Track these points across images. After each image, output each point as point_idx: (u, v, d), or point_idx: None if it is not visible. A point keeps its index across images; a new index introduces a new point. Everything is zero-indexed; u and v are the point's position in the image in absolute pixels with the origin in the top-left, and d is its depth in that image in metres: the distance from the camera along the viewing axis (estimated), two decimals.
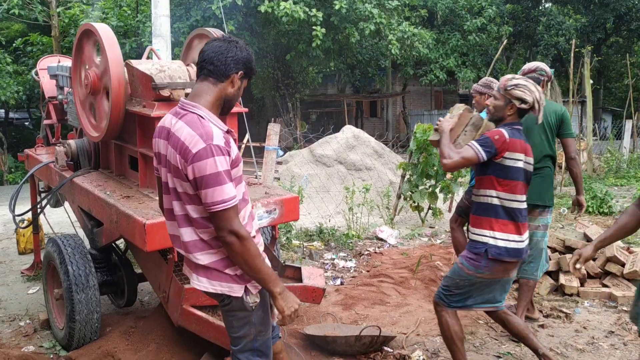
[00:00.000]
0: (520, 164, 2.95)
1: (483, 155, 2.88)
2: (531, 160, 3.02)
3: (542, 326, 4.07)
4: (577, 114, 14.97)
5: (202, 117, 2.08)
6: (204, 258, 2.16)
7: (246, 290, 2.19)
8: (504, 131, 2.92)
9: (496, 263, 2.96)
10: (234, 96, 2.20)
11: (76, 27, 12.98)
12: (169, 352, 3.34)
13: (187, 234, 2.16)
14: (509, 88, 3.00)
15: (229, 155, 2.07)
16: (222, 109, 2.21)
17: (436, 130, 3.11)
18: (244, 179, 2.31)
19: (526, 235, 3.04)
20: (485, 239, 2.97)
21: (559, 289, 4.74)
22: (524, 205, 3.02)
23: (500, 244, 2.94)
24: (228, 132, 2.14)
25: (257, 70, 2.31)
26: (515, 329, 3.24)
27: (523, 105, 2.99)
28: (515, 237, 2.97)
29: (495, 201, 2.96)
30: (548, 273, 4.86)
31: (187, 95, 2.27)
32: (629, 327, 4.05)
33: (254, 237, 2.23)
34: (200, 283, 2.20)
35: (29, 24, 15.97)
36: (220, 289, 2.17)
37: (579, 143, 12.13)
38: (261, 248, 2.27)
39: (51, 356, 3.64)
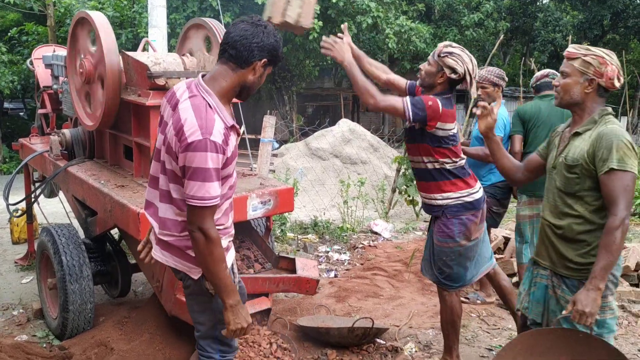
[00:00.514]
0: (453, 132, 2.97)
1: (410, 114, 2.84)
2: None
3: None
4: None
5: (209, 105, 1.98)
6: (173, 237, 2.14)
7: (204, 275, 2.16)
8: (439, 100, 2.88)
9: (461, 222, 3.01)
10: (253, 84, 2.09)
11: (72, 16, 12.90)
12: (163, 341, 3.34)
13: (164, 210, 2.11)
14: (442, 55, 2.93)
15: (224, 153, 1.97)
16: (240, 95, 2.11)
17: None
18: (236, 173, 2.27)
19: (477, 184, 3.10)
20: (440, 202, 3.03)
21: None
22: (464, 161, 3.09)
23: (454, 202, 3.01)
24: (232, 127, 2.04)
25: (283, 57, 2.20)
26: (502, 285, 3.47)
27: (453, 75, 2.93)
28: (467, 191, 3.03)
29: (437, 166, 3.01)
30: None
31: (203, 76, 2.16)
32: (620, 321, 4.08)
33: (229, 233, 2.20)
34: (163, 256, 2.18)
35: (24, 13, 15.85)
36: (181, 267, 2.16)
37: None
38: (230, 259, 2.20)
39: (44, 345, 3.65)
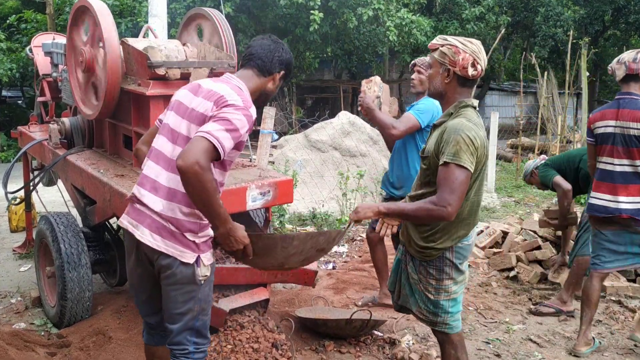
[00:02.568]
0: (633, 132, 3.32)
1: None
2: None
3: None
4: (572, 105, 14.99)
5: (241, 89, 2.21)
6: (171, 210, 2.13)
7: (197, 260, 2.17)
8: None
9: (590, 217, 3.56)
10: (271, 92, 2.37)
11: (71, 4, 12.81)
12: None
13: (176, 182, 2.11)
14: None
15: (246, 131, 2.13)
16: (257, 101, 2.30)
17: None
18: (238, 164, 2.32)
19: (622, 197, 3.36)
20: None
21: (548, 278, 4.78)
22: (617, 169, 3.38)
23: (591, 201, 3.50)
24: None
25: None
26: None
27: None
28: (606, 196, 3.41)
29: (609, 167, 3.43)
30: (538, 262, 4.90)
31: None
32: (616, 316, 4.10)
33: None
34: (154, 240, 2.14)
35: (23, 1, 15.73)
36: (172, 251, 2.14)
37: (574, 135, 12.17)
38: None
39: (42, 333, 3.65)
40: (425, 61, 3.79)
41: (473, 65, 2.35)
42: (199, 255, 2.18)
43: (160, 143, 2.24)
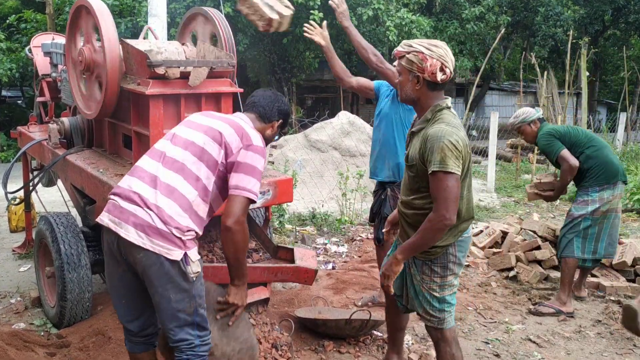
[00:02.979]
0: None
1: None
2: None
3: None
4: (572, 105, 14.99)
5: (254, 129, 2.51)
6: (166, 206, 2.19)
7: (185, 258, 2.18)
8: None
9: None
10: (269, 138, 2.62)
11: (70, 4, 12.81)
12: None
13: (185, 188, 2.26)
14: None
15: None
16: None
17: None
18: None
19: None
20: None
21: (548, 278, 4.78)
22: None
23: None
24: None
25: (288, 126, 2.54)
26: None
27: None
28: None
29: None
30: (538, 262, 4.90)
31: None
32: (616, 316, 4.10)
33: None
34: (140, 238, 2.14)
35: (23, 1, 15.73)
36: (159, 249, 2.14)
37: None
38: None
39: (42, 334, 3.65)
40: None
41: (442, 70, 2.36)
42: (185, 252, 2.19)
43: (163, 144, 2.38)
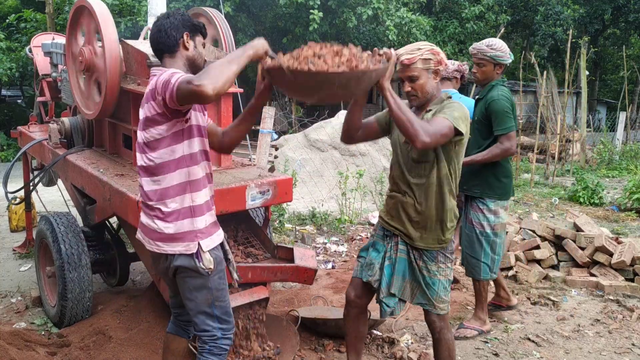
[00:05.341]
0: None
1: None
2: None
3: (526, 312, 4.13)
4: (572, 104, 15.00)
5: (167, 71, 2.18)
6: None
7: (198, 254, 2.23)
8: None
9: None
10: (195, 57, 2.30)
11: (70, 4, 12.81)
12: (161, 330, 3.36)
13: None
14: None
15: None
16: (192, 71, 2.28)
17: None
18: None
19: None
20: None
21: (547, 277, 4.79)
22: None
23: None
24: None
25: (201, 24, 2.35)
26: None
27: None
28: None
29: None
30: (537, 261, 4.91)
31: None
32: (614, 315, 4.12)
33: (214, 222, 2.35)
34: (156, 246, 2.25)
35: (22, 0, 15.74)
36: (178, 249, 2.22)
37: (573, 134, 12.17)
38: (220, 238, 2.36)
39: (42, 333, 3.66)
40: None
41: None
42: (198, 242, 2.24)
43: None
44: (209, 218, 2.31)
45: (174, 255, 2.23)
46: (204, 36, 2.37)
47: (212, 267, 2.25)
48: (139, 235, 2.37)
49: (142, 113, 2.25)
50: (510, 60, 3.62)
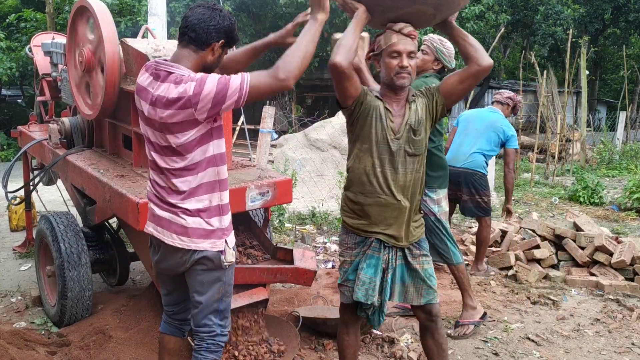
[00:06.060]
0: None
1: None
2: None
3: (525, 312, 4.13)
4: (572, 104, 14.98)
5: (182, 74, 2.10)
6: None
7: (223, 250, 2.24)
8: None
9: None
10: (212, 64, 2.23)
11: (71, 3, 12.81)
12: None
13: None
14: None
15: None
16: (196, 71, 2.20)
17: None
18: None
19: None
20: None
21: (547, 277, 4.80)
22: None
23: None
24: None
25: (239, 39, 2.33)
26: None
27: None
28: None
29: None
30: (537, 261, 4.91)
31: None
32: (614, 315, 4.12)
33: (228, 229, 2.30)
34: (181, 241, 2.20)
35: (22, 0, 15.74)
36: (203, 246, 2.20)
37: (573, 133, 12.18)
38: (232, 241, 2.31)
39: (42, 332, 3.67)
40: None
41: None
42: (225, 239, 2.26)
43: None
44: (231, 216, 2.35)
45: (196, 250, 2.22)
46: (231, 48, 2.35)
47: (233, 260, 2.28)
48: (152, 229, 2.28)
49: (160, 117, 2.11)
50: (450, 66, 3.69)
